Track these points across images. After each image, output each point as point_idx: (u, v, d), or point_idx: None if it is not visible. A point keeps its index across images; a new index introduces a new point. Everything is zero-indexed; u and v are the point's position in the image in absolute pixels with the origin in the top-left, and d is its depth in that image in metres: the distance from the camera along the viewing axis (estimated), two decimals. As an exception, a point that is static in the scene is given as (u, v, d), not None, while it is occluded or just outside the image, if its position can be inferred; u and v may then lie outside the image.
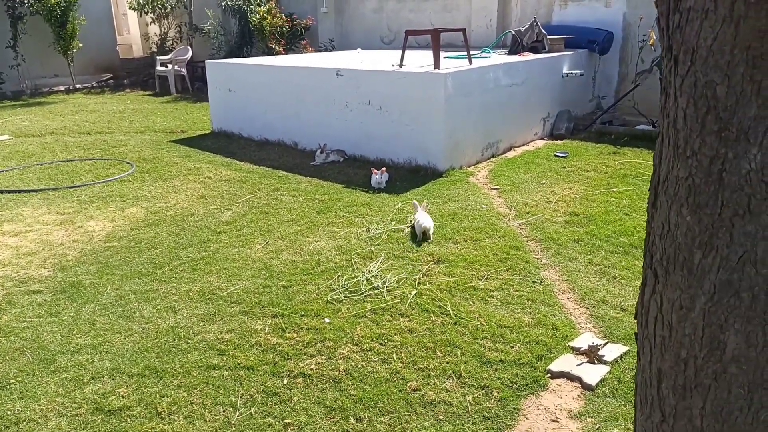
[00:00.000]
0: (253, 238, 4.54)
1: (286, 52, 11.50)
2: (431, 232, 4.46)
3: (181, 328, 3.30)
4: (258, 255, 4.23)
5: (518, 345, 3.06)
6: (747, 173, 1.29)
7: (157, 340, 3.20)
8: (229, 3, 12.45)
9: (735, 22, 1.22)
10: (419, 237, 4.44)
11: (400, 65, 6.65)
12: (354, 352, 3.03)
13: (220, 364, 2.96)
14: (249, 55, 12.31)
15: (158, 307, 3.54)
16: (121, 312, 3.50)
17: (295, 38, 11.90)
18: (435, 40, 6.47)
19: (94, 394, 2.77)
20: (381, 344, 3.09)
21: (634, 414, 1.64)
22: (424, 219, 4.48)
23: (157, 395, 2.74)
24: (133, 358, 3.04)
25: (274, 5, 11.95)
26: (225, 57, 12.31)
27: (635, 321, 1.62)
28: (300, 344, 3.10)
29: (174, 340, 3.19)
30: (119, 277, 3.96)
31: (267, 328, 3.26)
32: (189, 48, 13.24)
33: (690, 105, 1.33)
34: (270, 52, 11.38)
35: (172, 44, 14.35)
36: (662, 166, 1.44)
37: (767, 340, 1.36)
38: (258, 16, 11.79)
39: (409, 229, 4.61)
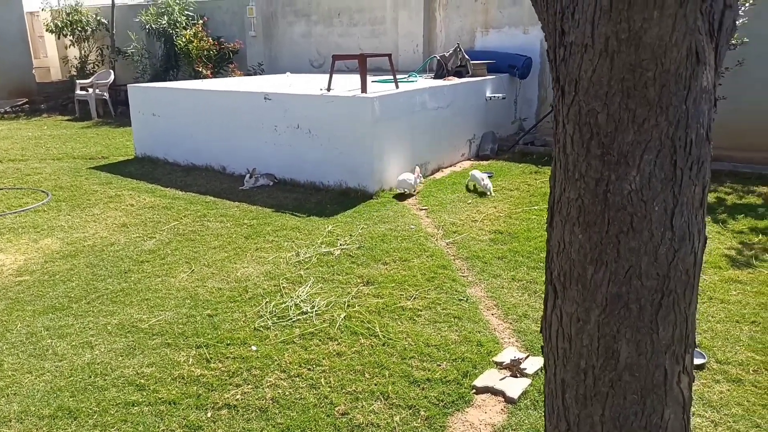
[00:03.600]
0: (177, 267, 4.41)
1: (214, 75, 11.34)
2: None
3: (97, 364, 3.15)
4: (182, 284, 4.11)
5: (445, 363, 3.11)
6: (628, 194, 1.40)
7: (72, 378, 3.03)
8: (153, 26, 12.18)
9: (610, 56, 1.33)
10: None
11: (328, 89, 6.72)
12: (281, 379, 2.99)
13: (140, 399, 2.84)
14: (175, 79, 12.06)
15: (73, 343, 3.37)
16: (32, 350, 3.30)
17: (223, 62, 11.77)
18: (362, 65, 6.59)
19: (0, 440, 2.59)
20: (309, 369, 3.07)
21: (545, 425, 1.71)
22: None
23: (71, 437, 2.60)
24: (45, 398, 2.87)
25: (200, 29, 11.80)
26: (150, 80, 12.01)
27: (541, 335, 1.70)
28: (225, 374, 3.03)
29: (90, 377, 3.04)
30: (31, 313, 3.74)
31: (191, 360, 3.16)
32: (111, 71, 12.81)
33: (576, 131, 1.44)
34: (197, 75, 11.19)
35: (93, 67, 13.85)
36: (556, 188, 1.54)
37: (655, 347, 1.47)
38: (184, 40, 11.60)
39: (339, 252, 4.62)
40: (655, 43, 1.29)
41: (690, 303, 1.49)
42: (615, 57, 1.33)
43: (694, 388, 2.83)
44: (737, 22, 5.71)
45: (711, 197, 5.86)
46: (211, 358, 3.18)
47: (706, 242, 1.50)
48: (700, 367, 3.00)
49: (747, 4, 6.76)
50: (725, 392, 2.82)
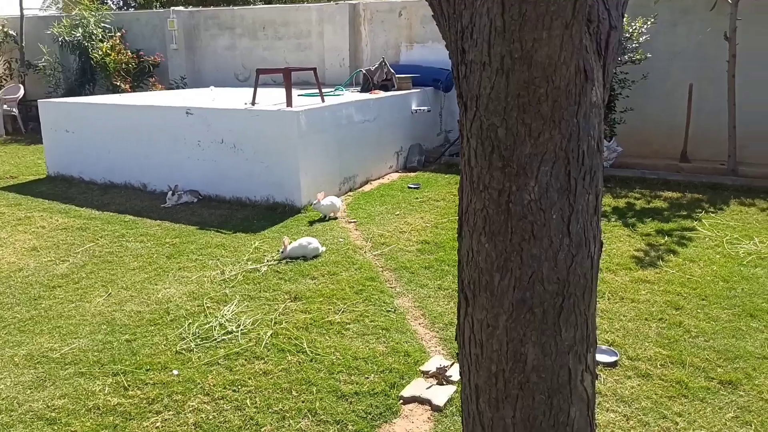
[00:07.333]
0: (93, 291, 4.20)
1: (133, 89, 10.94)
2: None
3: (2, 399, 2.94)
4: (98, 309, 3.91)
5: (373, 375, 3.13)
6: (528, 203, 1.47)
7: (-27, 416, 2.81)
8: (66, 39, 11.62)
9: (506, 74, 1.40)
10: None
11: (253, 103, 6.64)
12: (205, 402, 2.90)
13: (51, 434, 2.67)
14: (92, 93, 11.53)
15: (-25, 378, 3.13)
16: (-73, 389, 3.04)
17: (142, 75, 11.37)
18: (287, 79, 6.57)
19: None
20: (234, 391, 2.99)
21: (462, 430, 1.75)
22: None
23: (-29, 481, 2.41)
24: (-59, 441, 2.65)
25: (118, 41, 11.36)
26: (64, 95, 11.42)
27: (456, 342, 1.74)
28: (145, 402, 2.90)
29: (-6, 413, 2.83)
30: (-74, 348, 3.45)
31: (107, 388, 3.01)
32: (21, 86, 12.09)
33: (479, 145, 1.50)
34: (115, 90, 10.76)
35: (1, 82, 13.01)
36: (464, 200, 1.60)
37: (559, 349, 1.55)
38: (101, 53, 11.13)
39: (266, 269, 4.55)
40: (545, 62, 1.37)
41: (589, 305, 1.58)
42: (510, 74, 1.39)
43: (607, 384, 2.99)
44: (640, 39, 6.09)
45: (622, 202, 6.23)
46: (129, 385, 3.04)
47: (602, 247, 1.60)
48: (613, 364, 3.17)
49: (649, 23, 7.28)
50: (636, 387, 2.99)
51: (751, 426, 2.67)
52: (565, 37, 1.36)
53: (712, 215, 5.73)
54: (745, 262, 4.50)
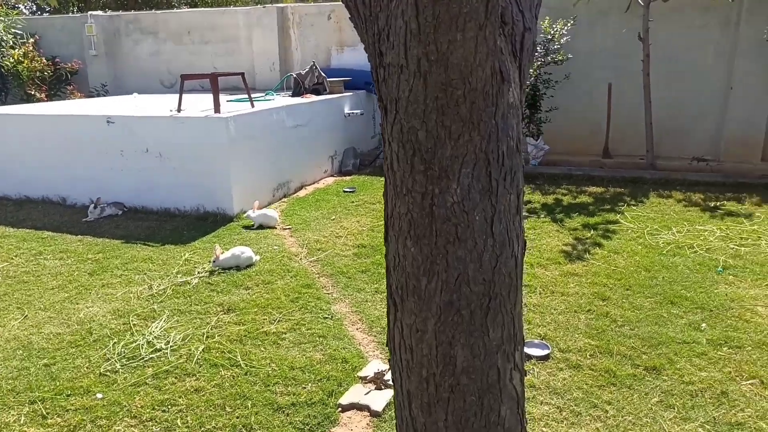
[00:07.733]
0: (6, 314, 3.91)
1: (50, 98, 10.34)
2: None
3: None
4: (13, 333, 3.65)
5: (310, 384, 3.07)
6: (452, 205, 1.47)
7: None
8: (-28, 45, 10.84)
9: (423, 76, 1.39)
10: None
11: (179, 110, 6.41)
12: (132, 426, 2.75)
13: (-42, 474, 2.46)
14: (4, 103, 10.81)
15: None
16: None
17: (59, 83, 10.76)
18: (214, 84, 6.37)
19: None
20: (164, 411, 2.86)
21: (397, 437, 1.73)
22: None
23: None
24: None
25: (32, 48, 10.71)
26: (-28, 105, 10.65)
27: (388, 349, 1.72)
28: (66, 429, 2.72)
29: None
30: None
31: (23, 418, 2.80)
32: None
33: (400, 149, 1.48)
34: (30, 99, 10.14)
35: None
36: (388, 204, 1.58)
37: (487, 349, 1.55)
38: (12, 60, 10.46)
39: (197, 281, 4.39)
40: (461, 64, 1.37)
41: (515, 303, 1.59)
42: (428, 77, 1.39)
43: (541, 378, 3.05)
44: (562, 41, 6.32)
45: (550, 199, 6.43)
46: (48, 413, 2.84)
47: (525, 246, 1.62)
48: (545, 357, 3.25)
49: (569, 24, 7.57)
50: (567, 378, 3.07)
51: (674, 409, 2.80)
52: (480, 39, 1.37)
53: (634, 208, 6.02)
54: (664, 252, 4.75)
